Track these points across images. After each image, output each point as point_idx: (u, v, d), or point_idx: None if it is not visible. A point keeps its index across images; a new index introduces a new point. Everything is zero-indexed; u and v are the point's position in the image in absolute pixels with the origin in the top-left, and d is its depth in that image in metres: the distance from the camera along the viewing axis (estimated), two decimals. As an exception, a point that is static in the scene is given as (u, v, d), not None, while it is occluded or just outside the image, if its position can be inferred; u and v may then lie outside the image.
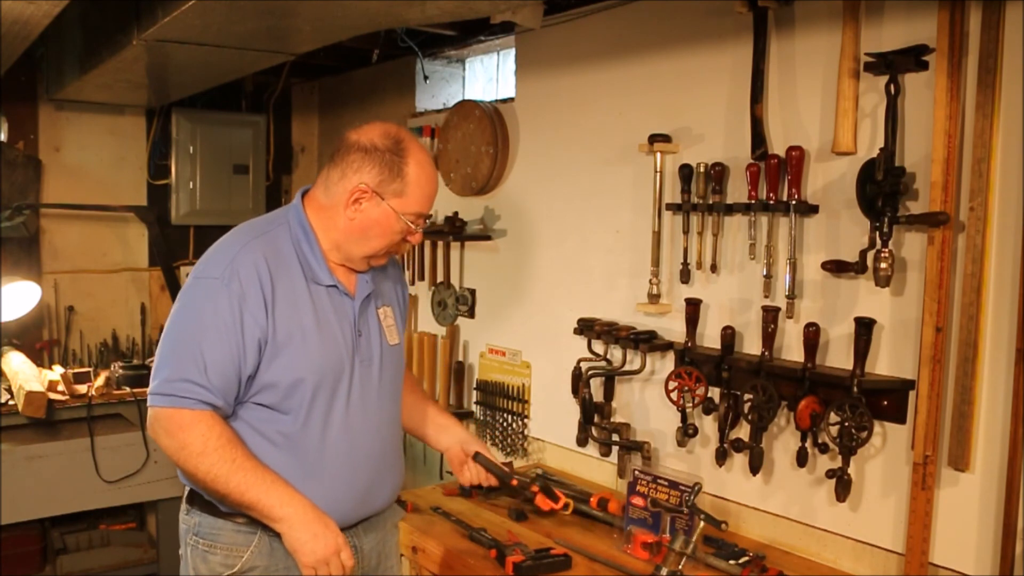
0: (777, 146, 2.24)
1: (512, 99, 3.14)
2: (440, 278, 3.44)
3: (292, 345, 1.68)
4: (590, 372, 2.68)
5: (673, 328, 2.53)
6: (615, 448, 2.63)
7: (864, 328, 2.03)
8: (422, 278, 3.54)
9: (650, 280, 2.54)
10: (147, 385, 1.70)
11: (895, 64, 1.95)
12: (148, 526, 3.62)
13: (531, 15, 2.71)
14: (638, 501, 2.28)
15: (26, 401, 3.10)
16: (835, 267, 2.09)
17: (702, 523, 1.97)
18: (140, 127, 4.15)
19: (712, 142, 2.42)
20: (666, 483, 2.23)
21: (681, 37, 2.49)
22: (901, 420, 2.02)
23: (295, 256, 1.73)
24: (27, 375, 3.29)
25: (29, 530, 3.30)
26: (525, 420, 3.09)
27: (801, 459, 2.14)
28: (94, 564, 3.42)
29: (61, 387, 3.29)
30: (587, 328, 2.70)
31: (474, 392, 3.29)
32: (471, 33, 3.24)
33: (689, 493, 2.14)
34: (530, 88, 3.06)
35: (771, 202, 2.21)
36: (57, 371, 3.46)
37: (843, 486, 2.05)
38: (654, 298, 2.54)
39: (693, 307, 2.42)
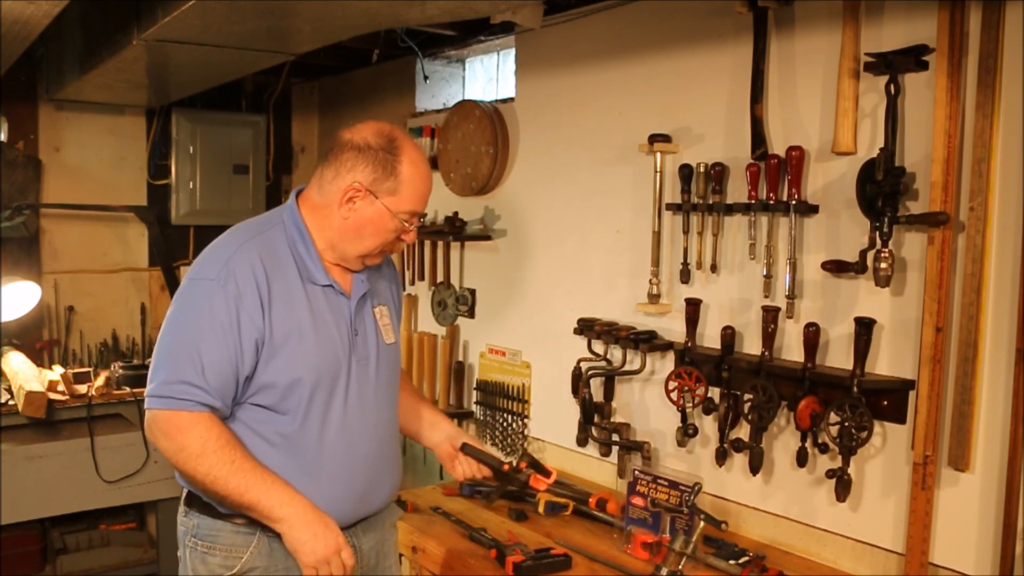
0: (777, 146, 2.24)
1: (512, 99, 3.14)
2: (440, 278, 3.44)
3: (289, 345, 1.67)
4: (590, 372, 2.68)
5: (673, 328, 2.53)
6: (615, 448, 2.63)
7: (864, 328, 2.03)
8: (422, 278, 3.54)
9: (650, 280, 2.54)
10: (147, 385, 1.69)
11: (895, 64, 1.95)
12: (148, 526, 3.62)
13: (531, 15, 2.71)
14: (638, 501, 2.28)
15: (26, 401, 3.10)
16: (835, 267, 2.09)
17: (702, 523, 1.97)
18: (140, 127, 4.15)
19: (712, 142, 2.42)
20: (666, 483, 2.23)
21: (681, 37, 2.49)
22: (901, 420, 2.02)
23: (291, 256, 1.73)
24: (27, 375, 3.29)
25: (29, 530, 3.30)
26: (525, 420, 3.09)
27: (801, 459, 2.14)
28: (94, 564, 3.42)
29: (61, 387, 3.29)
30: (587, 328, 2.70)
31: (474, 392, 3.29)
32: (471, 33, 3.24)
33: (689, 493, 2.14)
34: (530, 88, 3.06)
35: (771, 202, 2.21)
36: (57, 371, 3.46)
37: (843, 486, 2.05)
38: (654, 298, 2.54)
39: (693, 307, 2.42)
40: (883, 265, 1.94)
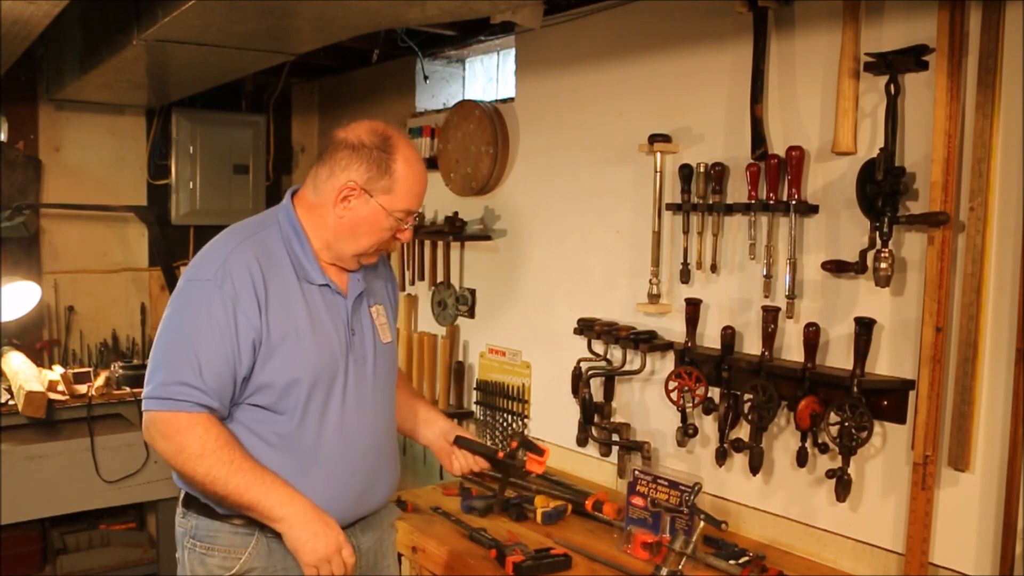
0: (777, 146, 2.24)
1: (512, 99, 3.14)
2: (440, 278, 3.44)
3: (286, 345, 1.67)
4: (590, 372, 2.68)
5: (673, 328, 2.53)
6: (615, 448, 2.63)
7: (864, 328, 2.03)
8: (422, 278, 3.54)
9: (650, 280, 2.54)
10: (147, 385, 1.69)
11: (895, 64, 1.95)
12: (148, 526, 3.62)
13: (531, 15, 2.71)
14: (638, 501, 2.28)
15: (26, 401, 3.10)
16: (835, 267, 2.09)
17: (702, 523, 1.96)
18: (140, 127, 4.15)
19: (712, 142, 2.42)
20: (666, 483, 2.23)
21: (681, 37, 2.49)
22: (901, 420, 2.02)
23: (287, 256, 1.73)
24: (27, 375, 3.29)
25: (29, 530, 3.29)
26: (525, 420, 3.09)
27: (801, 459, 2.14)
28: (94, 564, 3.42)
29: (61, 387, 3.29)
30: (587, 328, 2.70)
31: (474, 392, 3.29)
32: (471, 33, 3.24)
33: (689, 493, 2.14)
34: (530, 88, 3.06)
35: (771, 202, 2.21)
36: (57, 371, 3.46)
37: (843, 486, 2.05)
38: (654, 298, 2.54)
39: (693, 307, 2.42)
40: (883, 265, 1.94)
